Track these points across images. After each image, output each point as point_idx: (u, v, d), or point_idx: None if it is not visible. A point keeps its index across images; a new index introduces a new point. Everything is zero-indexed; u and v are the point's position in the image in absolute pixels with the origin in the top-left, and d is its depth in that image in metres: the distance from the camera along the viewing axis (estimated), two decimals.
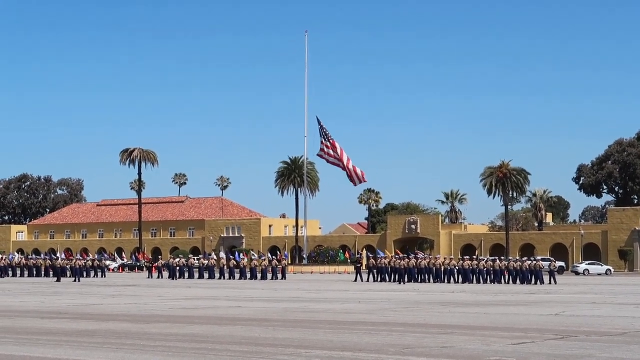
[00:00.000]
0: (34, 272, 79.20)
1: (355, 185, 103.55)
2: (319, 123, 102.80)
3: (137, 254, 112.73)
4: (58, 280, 67.59)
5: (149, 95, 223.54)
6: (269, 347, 18.78)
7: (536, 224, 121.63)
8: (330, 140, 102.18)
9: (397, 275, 63.47)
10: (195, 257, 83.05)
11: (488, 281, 62.11)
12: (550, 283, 60.38)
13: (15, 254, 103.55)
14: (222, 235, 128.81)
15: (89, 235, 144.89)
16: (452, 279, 63.35)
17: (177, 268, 74.72)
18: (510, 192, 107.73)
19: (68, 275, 73.17)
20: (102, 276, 78.35)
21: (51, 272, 75.85)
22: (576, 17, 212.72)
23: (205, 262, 77.38)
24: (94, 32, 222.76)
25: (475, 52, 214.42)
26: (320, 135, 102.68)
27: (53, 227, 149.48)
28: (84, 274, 75.02)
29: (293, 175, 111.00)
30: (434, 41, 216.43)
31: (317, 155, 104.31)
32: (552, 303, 35.76)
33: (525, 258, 67.47)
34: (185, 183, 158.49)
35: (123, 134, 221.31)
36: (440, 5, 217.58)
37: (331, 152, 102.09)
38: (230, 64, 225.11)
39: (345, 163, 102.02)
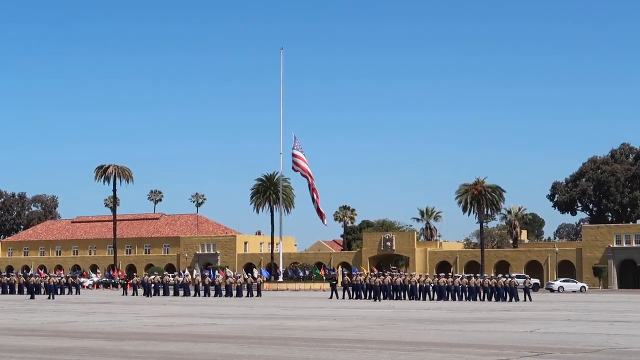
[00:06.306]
0: (7, 290, 78.53)
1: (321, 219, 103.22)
2: (296, 141, 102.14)
3: (111, 271, 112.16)
4: (32, 297, 67.11)
5: (124, 112, 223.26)
6: None
7: (511, 242, 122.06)
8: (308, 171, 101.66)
9: (372, 293, 63.47)
10: (171, 275, 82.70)
11: (463, 298, 62.18)
12: (525, 300, 60.53)
13: None
14: (197, 252, 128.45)
15: (63, 253, 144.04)
16: (427, 296, 63.40)
17: (152, 285, 74.41)
18: (485, 210, 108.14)
19: (42, 292, 72.66)
20: (76, 293, 77.85)
21: (25, 290, 75.28)
22: (551, 34, 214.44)
23: (180, 279, 77.10)
24: (68, 48, 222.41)
25: (450, 69, 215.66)
26: (297, 149, 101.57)
27: (27, 244, 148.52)
28: (58, 291, 74.50)
29: (268, 192, 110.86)
30: (409, 58, 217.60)
31: (292, 169, 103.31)
32: (527, 320, 35.86)
33: (500, 275, 67.61)
34: (160, 200, 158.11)
35: (98, 150, 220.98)
36: (416, 23, 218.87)
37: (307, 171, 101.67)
38: (206, 81, 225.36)
39: (315, 197, 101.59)
